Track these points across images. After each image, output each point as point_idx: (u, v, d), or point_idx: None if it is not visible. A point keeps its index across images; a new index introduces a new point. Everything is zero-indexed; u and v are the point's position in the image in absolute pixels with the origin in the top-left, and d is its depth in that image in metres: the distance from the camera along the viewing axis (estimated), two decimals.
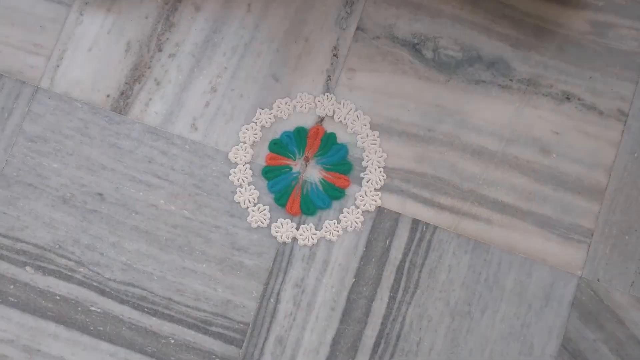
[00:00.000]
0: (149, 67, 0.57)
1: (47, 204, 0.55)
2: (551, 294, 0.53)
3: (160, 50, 0.57)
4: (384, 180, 0.55)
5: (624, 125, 0.55)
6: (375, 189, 0.55)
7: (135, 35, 0.57)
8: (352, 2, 0.57)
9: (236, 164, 0.55)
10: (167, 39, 0.57)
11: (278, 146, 0.56)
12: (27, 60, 0.57)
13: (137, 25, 0.57)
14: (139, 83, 0.57)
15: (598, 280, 0.53)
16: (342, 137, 0.56)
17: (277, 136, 0.56)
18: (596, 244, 0.53)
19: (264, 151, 0.56)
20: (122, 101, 0.56)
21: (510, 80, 0.56)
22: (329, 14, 0.57)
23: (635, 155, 0.55)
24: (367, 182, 0.55)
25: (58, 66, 0.57)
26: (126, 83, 0.57)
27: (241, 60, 0.57)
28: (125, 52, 0.57)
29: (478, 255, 0.53)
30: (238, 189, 0.55)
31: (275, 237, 0.54)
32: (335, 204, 0.55)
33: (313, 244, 0.54)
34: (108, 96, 0.56)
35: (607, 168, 0.54)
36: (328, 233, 0.54)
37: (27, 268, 0.54)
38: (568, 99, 0.55)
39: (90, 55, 0.57)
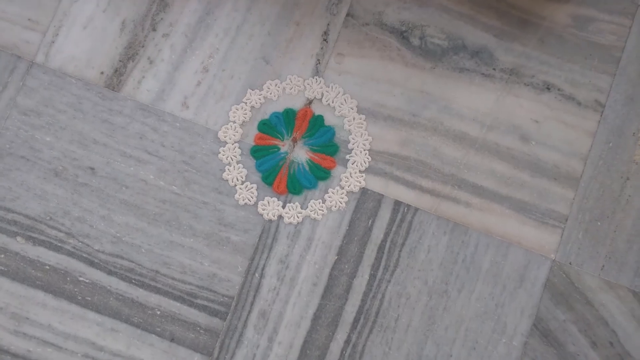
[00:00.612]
0: (143, 46, 0.58)
1: (39, 176, 0.56)
2: (525, 275, 0.55)
3: (154, 29, 0.58)
4: (369, 162, 0.56)
5: (601, 115, 0.57)
6: (360, 170, 0.56)
7: (131, 14, 0.58)
8: None
9: (225, 142, 0.57)
10: (162, 19, 0.58)
11: (267, 126, 0.57)
12: (23, 35, 0.58)
13: (132, 4, 0.58)
14: (133, 61, 0.58)
15: (570, 263, 0.55)
16: (329, 120, 0.57)
17: (267, 117, 0.57)
18: (570, 229, 0.55)
19: (253, 131, 0.57)
20: (116, 78, 0.57)
21: (494, 69, 0.57)
22: (320, 0, 0.59)
23: (610, 145, 0.57)
24: (352, 164, 0.56)
25: (53, 42, 0.58)
26: (120, 61, 0.58)
27: (233, 41, 0.58)
28: (120, 31, 0.58)
29: (456, 236, 0.55)
30: (227, 167, 0.56)
31: (262, 215, 0.56)
32: (321, 184, 0.56)
33: (298, 222, 0.56)
34: (102, 73, 0.57)
35: (583, 157, 0.56)
36: (313, 212, 0.56)
37: (18, 238, 0.56)
38: (548, 89, 0.57)
39: (86, 33, 0.58)
